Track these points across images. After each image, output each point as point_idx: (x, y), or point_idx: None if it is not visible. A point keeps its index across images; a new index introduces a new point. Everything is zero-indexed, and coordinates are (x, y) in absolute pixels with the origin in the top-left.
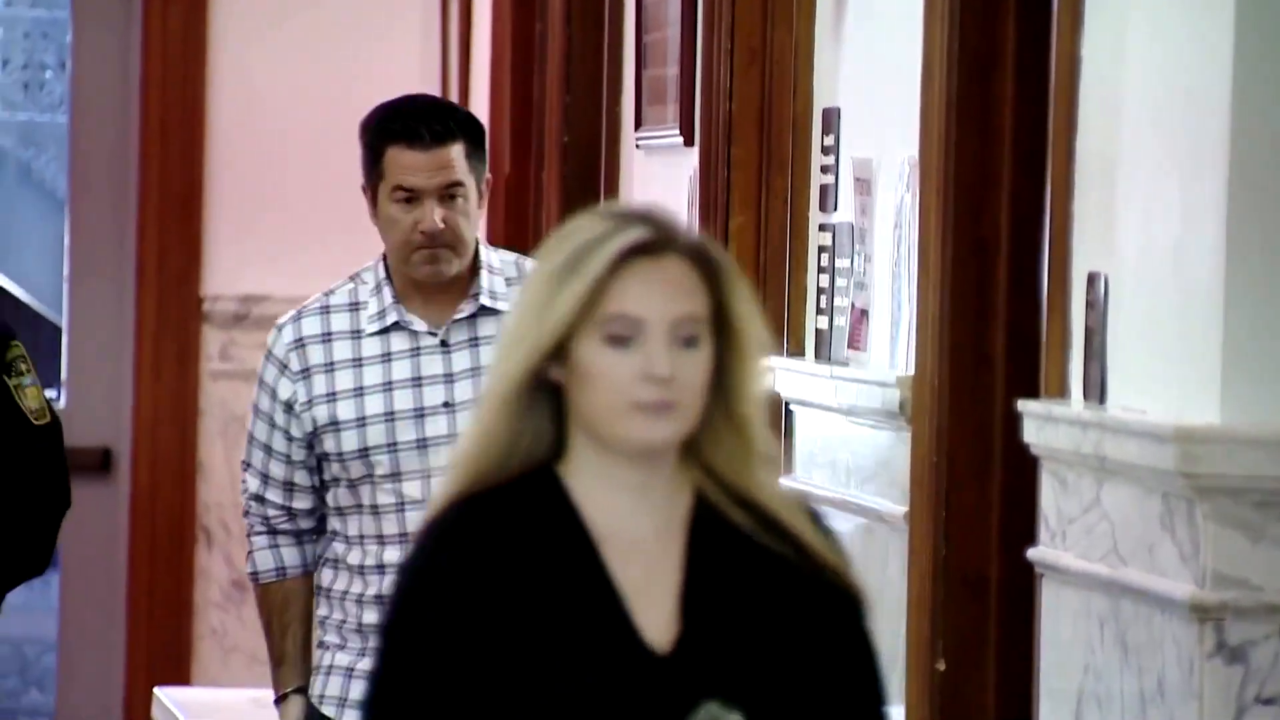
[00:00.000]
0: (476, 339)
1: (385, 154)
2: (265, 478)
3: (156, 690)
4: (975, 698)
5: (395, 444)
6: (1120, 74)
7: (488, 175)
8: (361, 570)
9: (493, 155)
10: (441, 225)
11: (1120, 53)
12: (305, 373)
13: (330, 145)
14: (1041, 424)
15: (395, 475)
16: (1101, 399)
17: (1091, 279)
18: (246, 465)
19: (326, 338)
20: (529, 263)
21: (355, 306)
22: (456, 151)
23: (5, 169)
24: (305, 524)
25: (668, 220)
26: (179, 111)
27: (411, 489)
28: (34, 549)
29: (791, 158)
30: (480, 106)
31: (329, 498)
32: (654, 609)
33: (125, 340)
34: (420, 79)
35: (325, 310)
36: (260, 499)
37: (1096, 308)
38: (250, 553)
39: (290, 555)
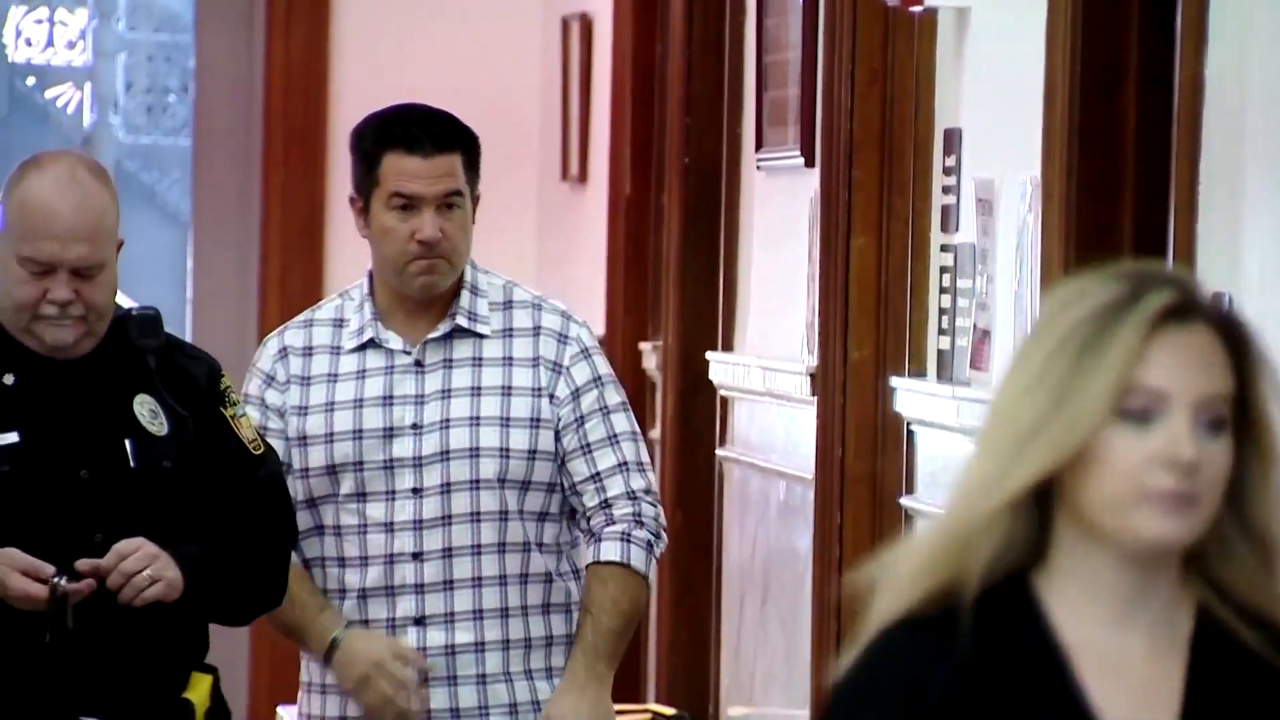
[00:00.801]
0: (451, 360)
1: (383, 160)
2: None
3: (280, 709)
4: None
5: (362, 463)
6: (1245, 94)
7: (478, 192)
8: (342, 593)
9: (613, 177)
10: (439, 235)
11: (1244, 73)
12: (286, 383)
13: None
14: None
15: (359, 495)
16: None
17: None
18: None
19: (307, 351)
20: (520, 290)
21: (339, 323)
22: (456, 161)
23: (129, 192)
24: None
25: (1191, 282)
26: (302, 133)
27: (375, 511)
28: (271, 579)
29: (913, 178)
30: (601, 128)
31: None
32: None
33: (248, 362)
34: (541, 102)
35: (309, 324)
36: None
37: None
38: None
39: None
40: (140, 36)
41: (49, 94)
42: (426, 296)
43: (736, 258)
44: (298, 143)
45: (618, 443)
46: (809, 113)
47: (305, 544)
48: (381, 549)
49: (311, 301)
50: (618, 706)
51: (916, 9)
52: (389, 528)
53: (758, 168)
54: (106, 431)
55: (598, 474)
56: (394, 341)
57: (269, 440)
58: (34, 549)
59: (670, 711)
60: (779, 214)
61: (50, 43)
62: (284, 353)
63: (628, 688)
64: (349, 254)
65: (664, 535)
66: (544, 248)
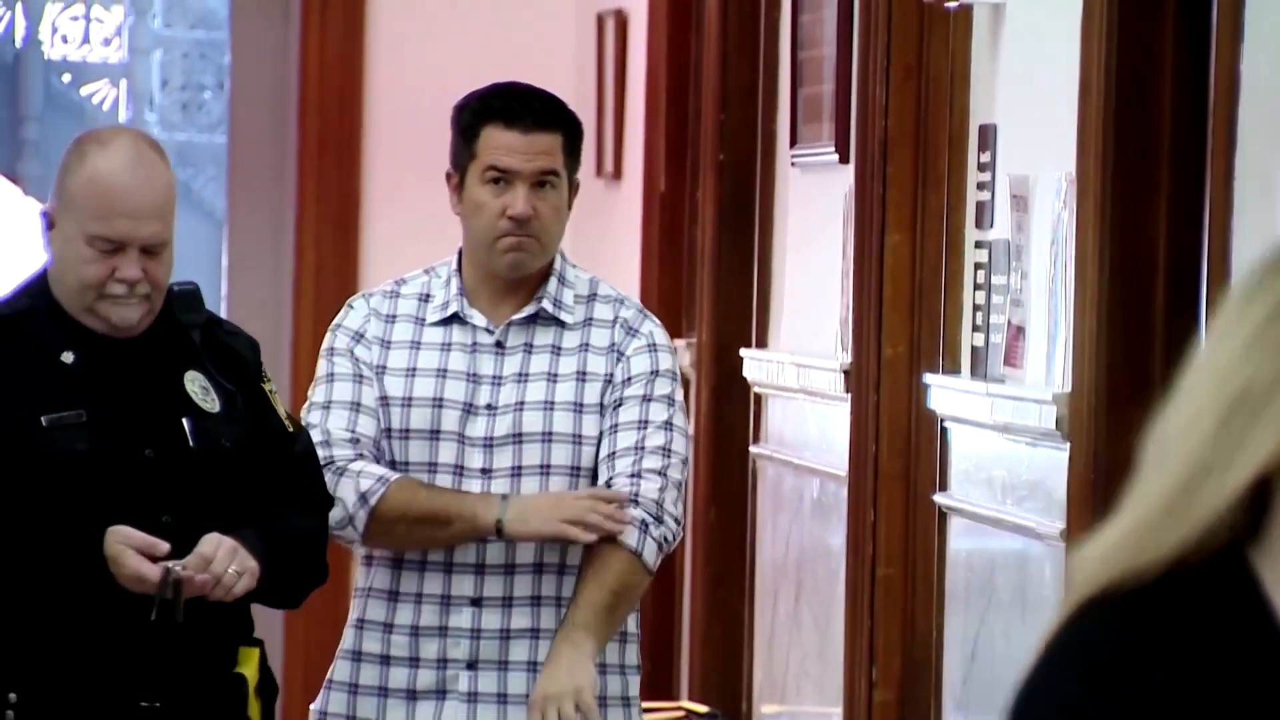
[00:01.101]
0: (531, 345)
1: (481, 133)
2: (352, 432)
3: (312, 706)
4: None
5: (438, 431)
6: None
7: (578, 179)
8: (399, 562)
9: (648, 173)
10: (531, 211)
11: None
12: (372, 343)
13: None
14: None
15: (430, 465)
16: None
17: None
18: (318, 425)
19: (391, 318)
20: (605, 286)
21: (425, 297)
22: (555, 140)
23: None
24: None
25: None
26: (337, 130)
27: (444, 483)
28: (320, 557)
29: (947, 174)
30: (636, 124)
31: None
32: None
33: (283, 359)
34: (576, 98)
35: (395, 294)
36: (355, 440)
37: None
38: (359, 474)
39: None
40: (176, 33)
41: (84, 91)
42: (515, 275)
43: (771, 254)
44: (333, 139)
45: (645, 427)
46: (844, 109)
47: None
48: None
49: (346, 296)
50: (650, 705)
51: (951, 4)
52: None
53: (792, 164)
54: (165, 410)
55: (613, 453)
56: (477, 319)
57: (351, 389)
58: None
59: (703, 709)
60: (813, 210)
61: (86, 39)
62: (370, 315)
63: (661, 685)
64: (384, 251)
65: (669, 520)
66: (579, 243)
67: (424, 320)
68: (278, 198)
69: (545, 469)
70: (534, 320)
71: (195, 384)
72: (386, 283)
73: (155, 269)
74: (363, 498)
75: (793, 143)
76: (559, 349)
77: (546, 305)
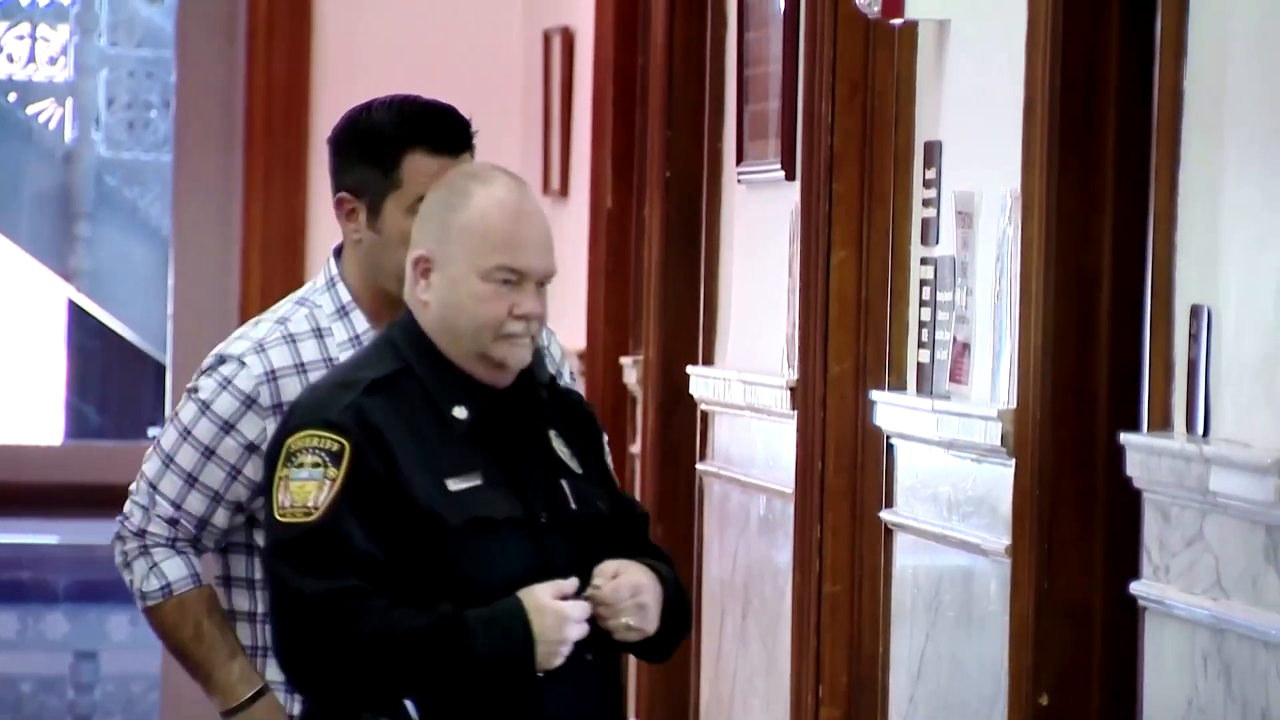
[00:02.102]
0: None
1: (404, 160)
2: (177, 508)
3: None
4: None
5: None
6: (1223, 106)
7: None
8: None
9: (595, 190)
10: None
11: (1223, 84)
12: (277, 408)
13: None
14: (1144, 457)
15: None
16: (1205, 432)
17: (1194, 312)
18: (150, 487)
19: (300, 369)
20: None
21: (319, 333)
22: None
23: (111, 207)
24: (205, 543)
25: None
26: (283, 150)
27: None
28: (687, 611)
29: (893, 191)
30: (582, 142)
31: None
32: None
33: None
34: (523, 115)
35: (290, 339)
36: (173, 523)
37: (1199, 340)
38: (153, 567)
39: (196, 562)
40: (122, 52)
41: (30, 110)
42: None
43: (717, 271)
44: (279, 158)
45: None
46: (789, 126)
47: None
48: None
49: None
50: None
51: (897, 21)
52: None
53: (738, 181)
54: (545, 471)
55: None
56: None
57: (194, 461)
58: (486, 595)
59: None
60: (760, 227)
61: (32, 58)
62: (271, 375)
63: None
64: None
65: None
66: None
67: (333, 360)
68: (223, 216)
69: None
70: None
71: (560, 443)
72: (264, 329)
73: (543, 306)
74: (142, 595)
75: (739, 160)
76: None
77: None
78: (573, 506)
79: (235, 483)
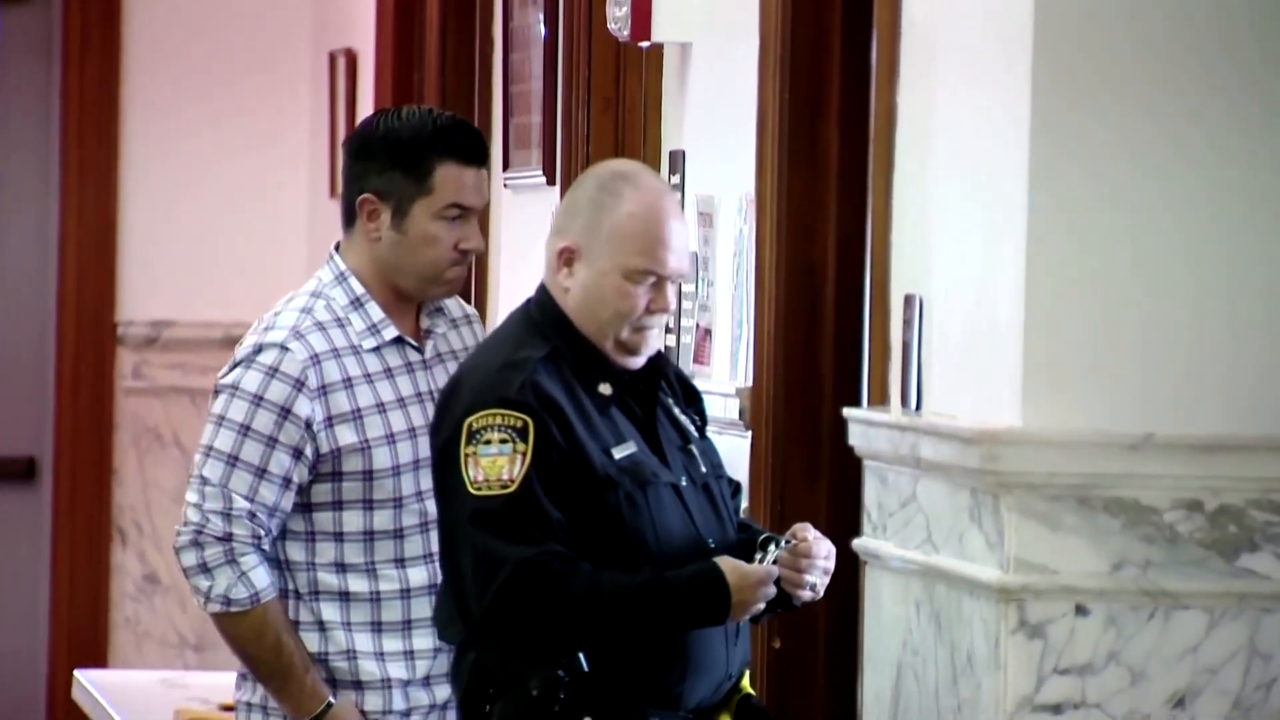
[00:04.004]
0: (441, 355)
1: (437, 169)
2: (251, 501)
3: (76, 673)
4: (807, 670)
5: (418, 461)
6: (931, 118)
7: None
8: (377, 597)
9: None
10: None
11: (930, 99)
12: (323, 390)
13: (233, 189)
14: (864, 428)
15: (418, 494)
16: (917, 406)
17: (908, 300)
18: (222, 487)
19: (335, 353)
20: None
21: (340, 322)
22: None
23: None
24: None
25: None
26: (94, 167)
27: (432, 507)
28: None
29: None
30: None
31: (317, 522)
32: None
33: (47, 361)
34: (310, 128)
35: (321, 327)
36: (252, 517)
37: (912, 325)
38: (242, 575)
39: (272, 573)
40: None
41: None
42: (424, 299)
43: (486, 267)
44: (92, 166)
45: None
46: (550, 137)
47: (348, 548)
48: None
49: (105, 306)
50: None
51: (645, 44)
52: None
53: (505, 186)
54: (677, 438)
55: None
56: (410, 340)
57: (259, 453)
58: (664, 542)
59: None
60: (524, 227)
61: None
62: (315, 359)
63: None
64: (139, 263)
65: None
66: (314, 257)
67: (358, 348)
68: (42, 215)
69: None
70: (429, 333)
71: (679, 414)
72: (294, 317)
73: (675, 301)
74: (226, 600)
75: (505, 167)
76: (454, 354)
77: (434, 315)
78: (703, 470)
79: (298, 464)
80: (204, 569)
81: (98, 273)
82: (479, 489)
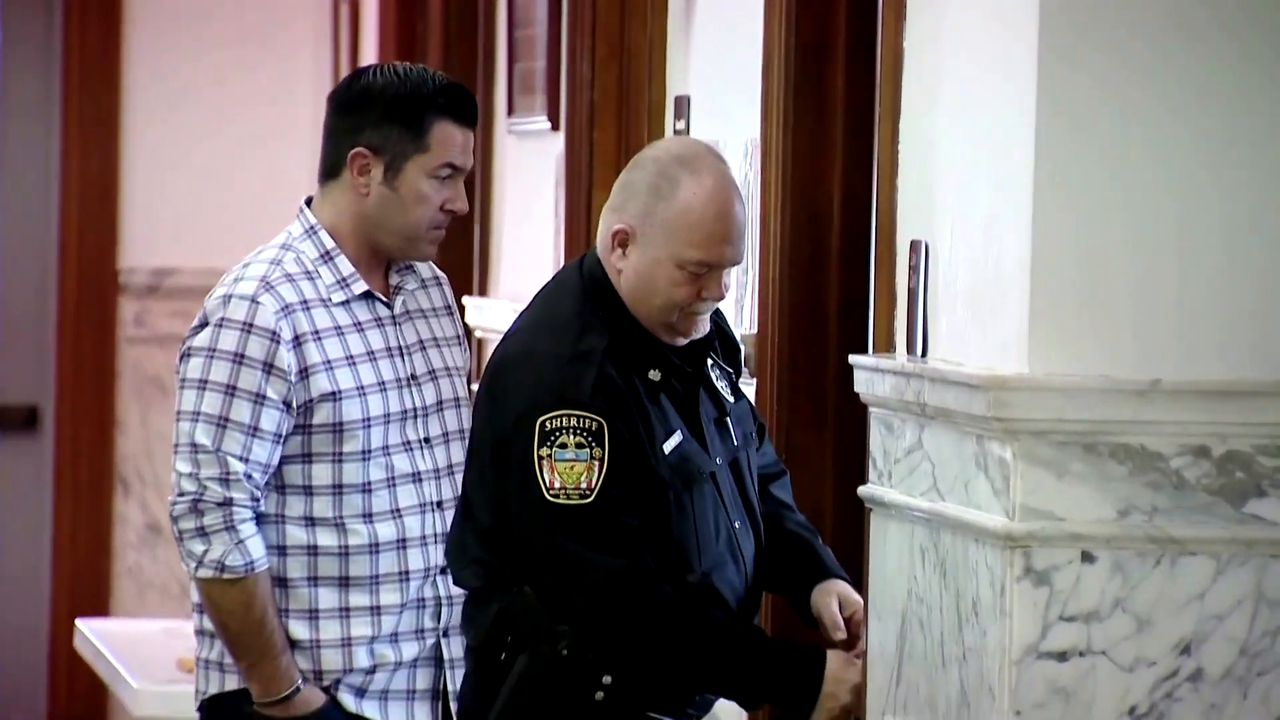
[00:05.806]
0: (409, 312)
1: (433, 127)
2: (246, 461)
3: (78, 621)
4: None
5: (388, 415)
6: (938, 62)
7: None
8: (345, 551)
9: None
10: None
11: (938, 43)
12: (297, 340)
13: (233, 139)
14: (870, 375)
15: (385, 449)
16: (923, 353)
17: (914, 246)
18: (214, 450)
19: (305, 305)
20: None
21: (309, 275)
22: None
23: None
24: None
25: None
26: (95, 118)
27: (401, 462)
28: None
29: (647, 140)
30: None
31: (287, 475)
32: None
33: (49, 310)
34: (315, 78)
35: (290, 279)
36: (248, 478)
37: (918, 272)
38: (239, 542)
39: (264, 541)
40: None
41: None
42: (403, 258)
43: (490, 213)
44: (92, 121)
45: None
46: (554, 82)
47: (316, 502)
48: (414, 499)
49: (107, 254)
50: None
51: None
52: (416, 478)
53: (509, 132)
54: (715, 412)
55: None
56: (379, 295)
57: (249, 410)
58: (705, 548)
59: None
60: (529, 173)
61: None
62: (287, 310)
63: None
64: (141, 211)
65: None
66: None
67: (327, 300)
68: (43, 169)
69: (462, 433)
70: (398, 289)
71: (716, 374)
72: (264, 268)
73: (727, 286)
74: (220, 566)
75: (509, 113)
76: (423, 312)
77: (425, 273)
78: (734, 443)
79: (286, 416)
80: (201, 533)
81: (99, 220)
82: (556, 496)
